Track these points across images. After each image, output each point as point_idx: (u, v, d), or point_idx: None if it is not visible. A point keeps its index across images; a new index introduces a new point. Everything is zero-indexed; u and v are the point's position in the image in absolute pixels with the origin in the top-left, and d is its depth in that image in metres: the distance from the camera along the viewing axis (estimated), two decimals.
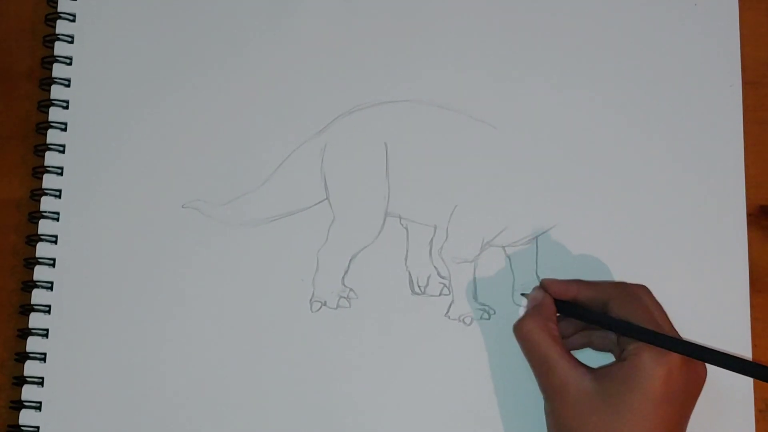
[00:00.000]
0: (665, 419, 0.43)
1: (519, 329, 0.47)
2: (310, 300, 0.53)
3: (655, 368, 0.43)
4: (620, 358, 0.45)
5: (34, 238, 0.53)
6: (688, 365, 0.44)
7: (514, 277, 0.53)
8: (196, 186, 0.54)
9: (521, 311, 0.51)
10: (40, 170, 0.54)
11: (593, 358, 0.48)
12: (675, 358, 0.43)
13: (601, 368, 0.45)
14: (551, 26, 0.55)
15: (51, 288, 0.53)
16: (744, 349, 0.52)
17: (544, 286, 0.49)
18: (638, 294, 0.47)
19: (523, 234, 0.53)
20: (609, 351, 0.49)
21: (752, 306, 0.52)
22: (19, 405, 0.52)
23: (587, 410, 0.43)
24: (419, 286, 0.53)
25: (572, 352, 0.47)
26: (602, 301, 0.47)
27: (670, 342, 0.43)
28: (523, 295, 0.51)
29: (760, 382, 0.51)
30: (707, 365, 0.45)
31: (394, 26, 0.56)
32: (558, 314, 0.48)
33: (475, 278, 0.53)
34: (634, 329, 0.44)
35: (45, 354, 0.52)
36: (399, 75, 0.55)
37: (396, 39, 0.55)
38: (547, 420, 0.46)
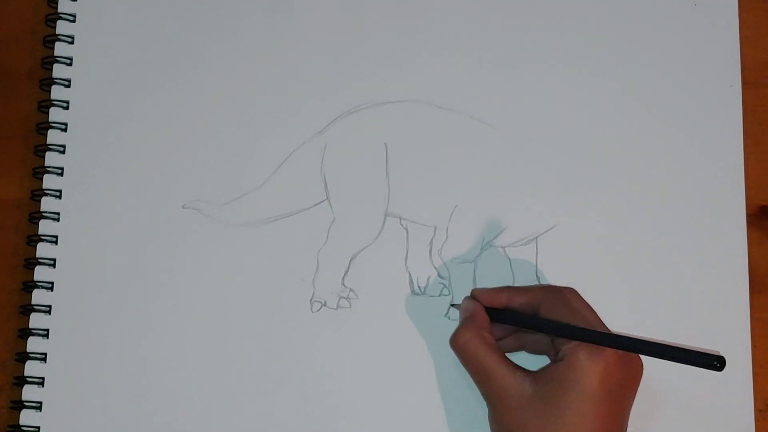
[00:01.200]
0: (605, 415, 0.43)
1: (454, 341, 0.47)
2: (310, 300, 0.53)
3: (590, 366, 0.43)
4: (556, 359, 0.45)
5: (35, 239, 0.54)
6: (624, 360, 0.44)
7: (514, 277, 0.53)
8: (196, 186, 0.54)
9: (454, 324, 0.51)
10: (41, 170, 0.54)
11: (529, 361, 0.48)
12: (610, 354, 0.43)
13: (539, 371, 0.45)
14: (551, 26, 0.55)
15: (51, 288, 0.53)
16: (744, 349, 0.52)
17: (475, 295, 0.49)
18: (567, 296, 0.47)
19: (523, 234, 0.53)
20: (543, 353, 0.49)
21: (752, 306, 0.52)
22: (19, 405, 0.52)
23: (528, 414, 0.44)
24: (419, 287, 0.53)
25: (507, 355, 0.47)
26: (533, 306, 0.47)
27: (601, 336, 0.43)
28: (453, 306, 0.52)
29: (760, 382, 0.51)
30: (643, 358, 0.45)
31: (394, 26, 0.56)
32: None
33: (475, 278, 0.53)
34: (566, 328, 0.44)
35: (45, 354, 0.52)
36: (399, 75, 0.55)
37: (396, 39, 0.55)
38: (490, 426, 0.46)
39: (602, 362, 0.43)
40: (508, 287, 0.49)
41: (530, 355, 0.49)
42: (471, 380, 0.49)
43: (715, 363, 0.39)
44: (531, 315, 0.47)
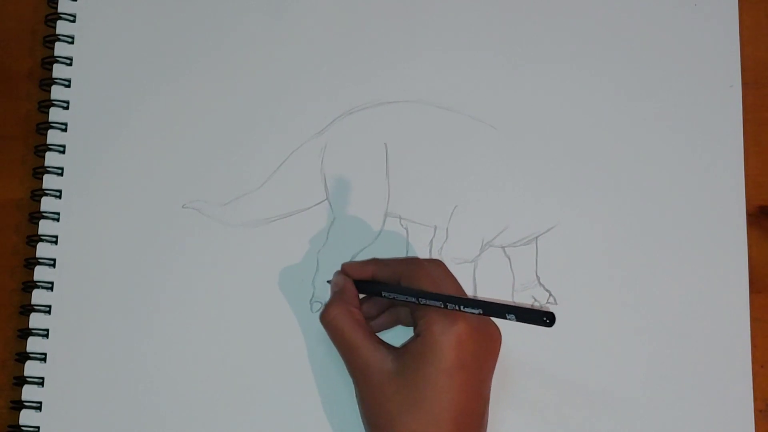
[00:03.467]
0: (462, 387, 0.43)
1: (323, 317, 0.47)
2: (310, 300, 0.53)
3: (444, 338, 0.43)
4: (415, 333, 0.45)
5: (35, 239, 0.54)
6: (478, 329, 0.44)
7: (514, 277, 0.53)
8: (196, 186, 0.54)
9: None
10: (41, 170, 0.54)
11: (405, 335, 0.48)
12: (462, 326, 0.44)
13: (400, 346, 0.46)
14: (551, 27, 0.55)
15: (51, 288, 0.53)
16: (744, 349, 0.52)
17: (344, 269, 0.50)
18: (428, 268, 0.47)
19: (523, 234, 0.53)
20: (406, 325, 0.50)
21: (752, 306, 0.52)
22: (19, 405, 0.52)
23: (390, 390, 0.44)
24: None
25: (384, 331, 0.48)
26: (396, 277, 0.47)
27: (444, 298, 0.44)
28: (329, 282, 0.52)
29: (760, 382, 0.51)
30: (500, 327, 0.46)
31: (394, 26, 0.56)
32: (362, 295, 0.49)
33: (475, 278, 0.53)
34: (412, 292, 0.45)
35: (45, 354, 0.52)
36: (399, 75, 0.55)
37: (396, 39, 0.55)
38: (357, 402, 0.47)
39: (455, 334, 0.43)
40: (375, 259, 0.50)
41: (403, 331, 0.50)
42: None
43: (545, 319, 0.39)
44: (392, 284, 0.47)
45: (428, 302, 0.44)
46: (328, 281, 0.51)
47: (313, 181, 0.54)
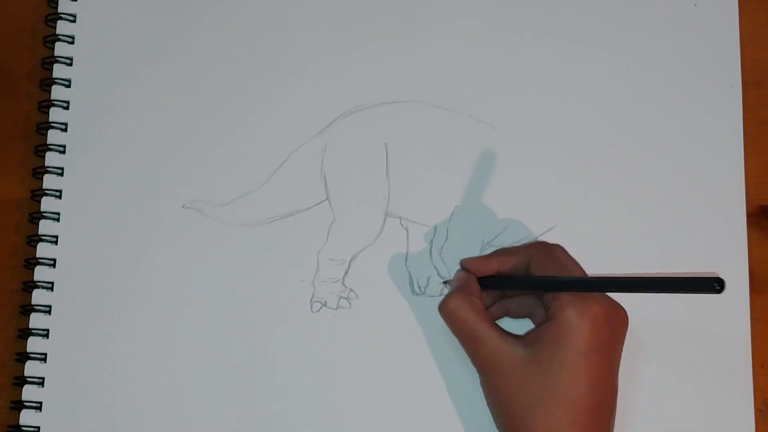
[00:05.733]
0: (598, 370, 0.43)
1: (444, 308, 0.46)
2: (310, 300, 0.53)
3: (579, 322, 0.43)
4: (546, 318, 0.45)
5: (35, 239, 0.54)
6: (610, 312, 0.44)
7: None
8: (196, 186, 0.54)
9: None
10: (41, 170, 0.54)
11: (510, 326, 0.47)
12: (597, 309, 0.43)
13: (528, 334, 0.45)
14: (551, 26, 0.55)
15: (51, 288, 0.53)
16: (744, 349, 0.52)
17: (465, 265, 0.49)
18: (555, 252, 0.47)
19: (523, 234, 0.53)
20: (526, 317, 0.49)
21: (752, 306, 0.52)
22: (19, 405, 0.52)
23: (523, 377, 0.44)
24: (419, 287, 0.53)
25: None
26: (523, 266, 0.47)
27: (591, 283, 0.44)
28: (445, 283, 0.52)
29: (760, 382, 0.51)
30: (628, 312, 0.46)
31: (394, 26, 0.56)
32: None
33: None
34: (557, 282, 0.44)
35: (45, 354, 0.52)
36: (399, 75, 0.55)
37: (396, 39, 0.55)
38: (485, 394, 0.46)
39: (590, 318, 0.43)
40: (497, 252, 0.49)
41: (509, 322, 0.49)
42: (471, 380, 0.49)
43: (715, 285, 0.38)
44: (520, 276, 0.47)
45: (573, 290, 0.43)
46: (444, 282, 0.51)
47: (313, 181, 0.54)
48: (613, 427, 0.45)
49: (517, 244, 0.50)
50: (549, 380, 0.43)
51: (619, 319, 0.45)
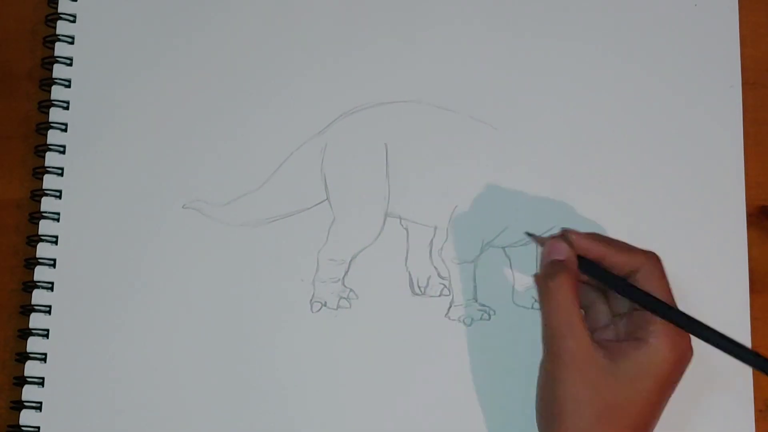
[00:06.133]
0: (663, 400, 0.43)
1: (546, 282, 0.44)
2: (311, 300, 0.53)
3: (671, 354, 0.42)
4: (633, 336, 0.43)
5: (35, 239, 0.53)
6: (690, 353, 0.43)
7: (514, 277, 0.53)
8: (196, 186, 0.54)
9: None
10: (41, 171, 0.54)
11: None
12: (686, 345, 0.43)
13: (614, 344, 0.44)
14: (551, 26, 0.55)
15: (51, 288, 0.53)
16: None
17: (568, 238, 0.45)
18: (663, 270, 0.45)
19: (523, 234, 0.53)
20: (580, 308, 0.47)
21: (752, 306, 0.52)
22: (19, 405, 0.52)
23: (596, 383, 0.42)
24: (419, 287, 0.53)
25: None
26: (630, 269, 0.44)
27: (701, 327, 0.42)
28: (530, 235, 0.48)
29: (760, 382, 0.51)
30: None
31: (394, 26, 0.56)
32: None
33: (475, 278, 0.53)
34: (671, 310, 0.43)
35: (45, 354, 0.52)
36: (399, 75, 0.55)
37: (396, 39, 0.55)
38: (545, 383, 0.44)
39: (680, 353, 0.42)
40: (605, 239, 0.46)
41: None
42: (471, 380, 0.49)
43: None
44: (625, 280, 0.44)
45: (687, 330, 0.42)
46: (530, 234, 0.47)
47: (313, 181, 0.54)
48: None
49: (629, 244, 0.46)
50: (622, 398, 0.42)
51: (690, 352, 0.44)
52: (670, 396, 0.44)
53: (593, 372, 0.43)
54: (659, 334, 0.43)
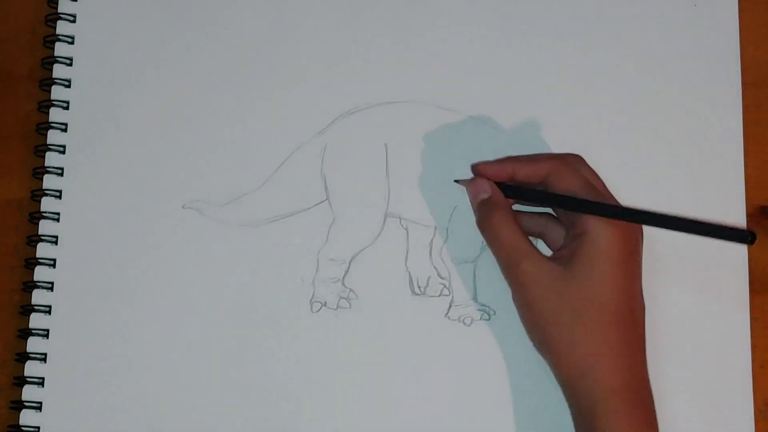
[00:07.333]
0: (630, 276, 0.45)
1: (487, 224, 0.47)
2: (310, 300, 0.53)
3: (614, 233, 0.44)
4: (573, 235, 0.45)
5: (35, 239, 0.54)
6: (630, 225, 0.45)
7: None
8: (196, 186, 0.54)
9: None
10: (41, 171, 0.54)
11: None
12: (621, 222, 0.45)
13: (559, 251, 0.46)
14: (551, 26, 0.55)
15: (51, 288, 0.53)
16: (744, 349, 0.52)
17: (479, 171, 0.48)
18: (576, 165, 0.47)
19: None
20: (537, 237, 0.50)
21: (752, 306, 0.52)
22: (19, 405, 0.52)
23: (560, 291, 0.44)
24: (419, 287, 0.53)
25: None
26: (540, 177, 0.47)
27: (629, 213, 0.45)
28: (457, 182, 0.51)
29: (760, 382, 0.51)
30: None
31: (394, 26, 0.56)
32: None
33: (475, 278, 0.53)
34: (596, 205, 0.45)
35: (45, 354, 0.52)
36: (399, 75, 0.55)
37: (396, 39, 0.55)
38: (521, 310, 0.47)
39: (619, 229, 0.44)
40: (511, 158, 0.48)
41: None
42: (471, 380, 0.49)
43: (749, 238, 0.40)
44: (542, 190, 0.47)
45: (613, 218, 0.44)
46: (457, 180, 0.51)
47: (313, 181, 0.54)
48: (644, 338, 0.46)
49: (534, 154, 0.49)
50: (588, 292, 0.44)
51: (637, 231, 0.46)
52: (636, 277, 0.45)
53: (554, 282, 0.44)
54: (595, 222, 0.44)
